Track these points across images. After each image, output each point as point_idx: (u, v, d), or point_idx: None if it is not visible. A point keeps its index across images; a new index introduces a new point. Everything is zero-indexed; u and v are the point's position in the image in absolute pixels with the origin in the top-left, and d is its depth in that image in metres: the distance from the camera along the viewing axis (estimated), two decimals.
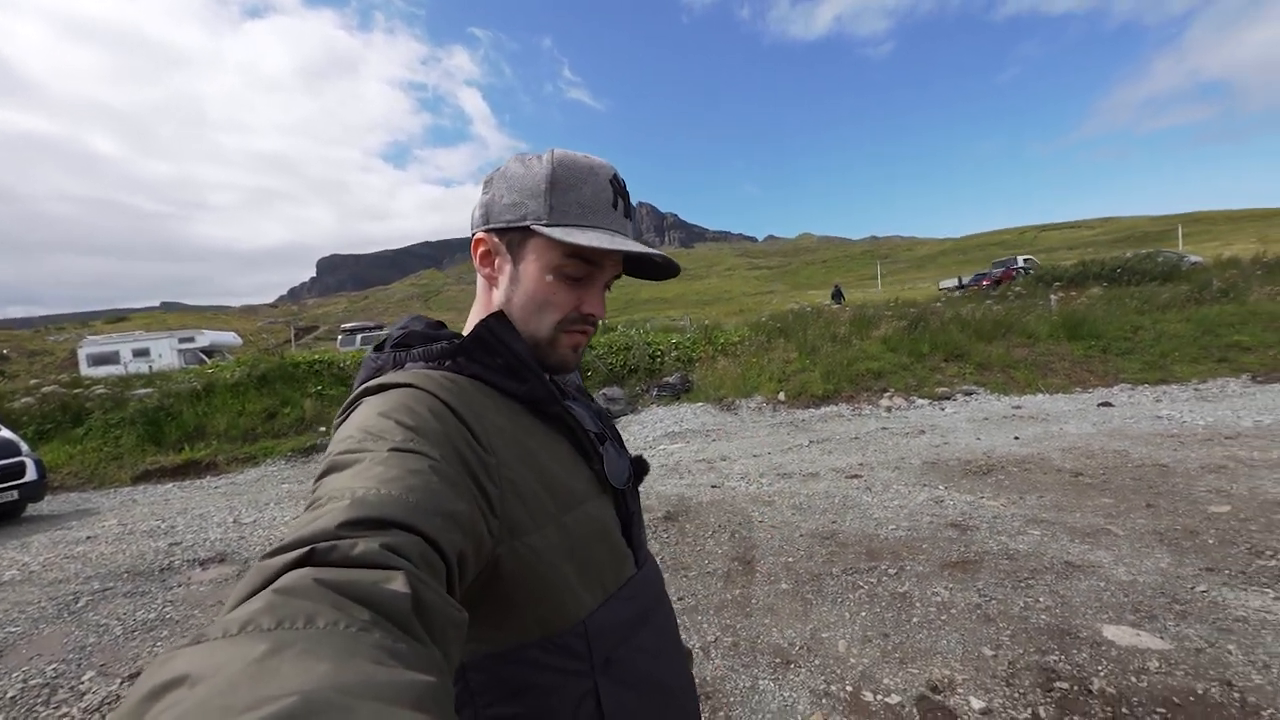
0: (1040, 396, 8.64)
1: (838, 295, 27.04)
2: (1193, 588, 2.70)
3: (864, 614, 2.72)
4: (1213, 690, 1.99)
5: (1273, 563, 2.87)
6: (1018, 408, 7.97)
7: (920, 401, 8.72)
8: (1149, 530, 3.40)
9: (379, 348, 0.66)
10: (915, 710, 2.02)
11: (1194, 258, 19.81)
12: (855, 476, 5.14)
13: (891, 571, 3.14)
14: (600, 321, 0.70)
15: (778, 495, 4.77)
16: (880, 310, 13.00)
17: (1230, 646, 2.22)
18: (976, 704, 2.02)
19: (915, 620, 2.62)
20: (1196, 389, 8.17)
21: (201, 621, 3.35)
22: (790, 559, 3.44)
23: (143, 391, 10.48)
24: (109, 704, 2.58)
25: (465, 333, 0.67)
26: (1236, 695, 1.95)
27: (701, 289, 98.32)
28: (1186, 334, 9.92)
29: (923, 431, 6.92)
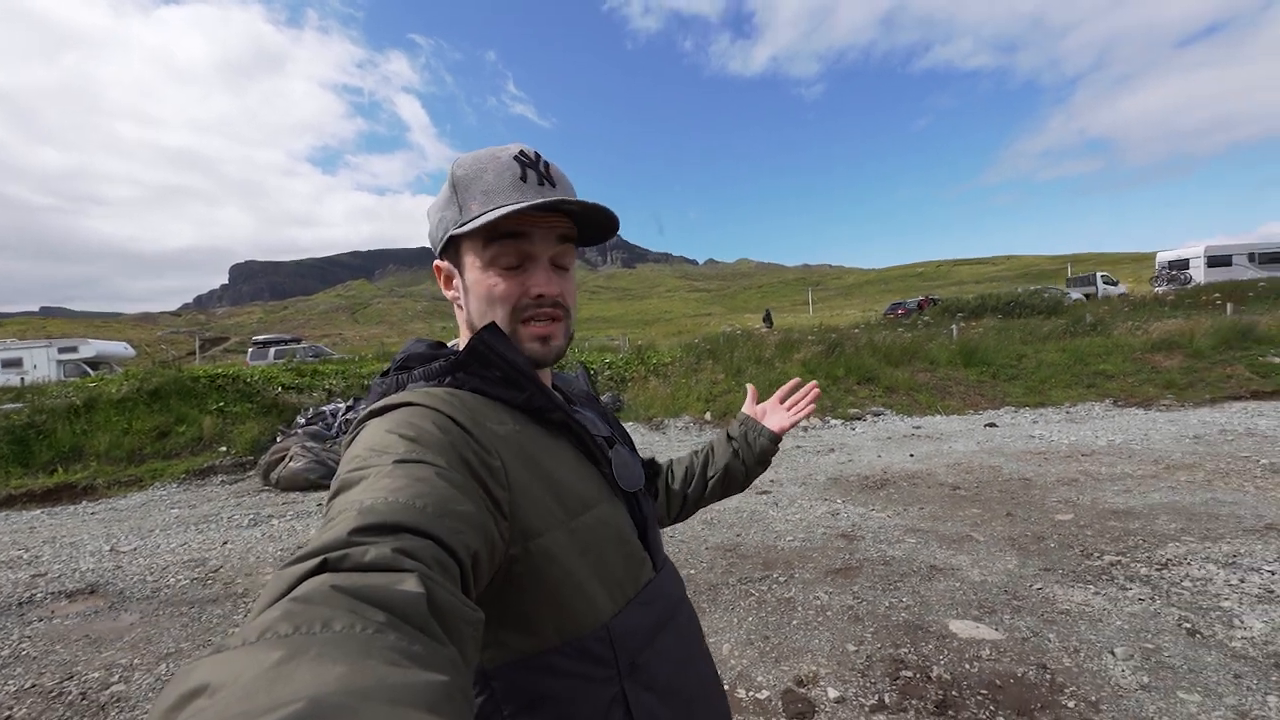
0: (938, 417, 9.45)
1: (768, 319, 28.44)
2: (1030, 585, 3.09)
3: (751, 619, 2.93)
4: (1030, 673, 2.31)
5: (1098, 563, 3.34)
6: (918, 428, 8.67)
7: (834, 422, 9.31)
8: (1005, 536, 3.85)
9: (385, 374, 0.68)
10: (780, 702, 2.22)
11: (1075, 294, 22.30)
12: (765, 492, 5.44)
13: (782, 579, 3.39)
14: (572, 297, 0.70)
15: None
16: (804, 335, 13.78)
17: (1050, 635, 2.58)
18: (833, 693, 2.24)
19: (795, 622, 2.86)
20: (1068, 412, 9.21)
21: (63, 658, 3.09)
22: (693, 570, 3.62)
23: (10, 407, 9.40)
24: None
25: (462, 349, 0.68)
26: (1048, 676, 2.28)
27: (643, 309, 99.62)
28: (1062, 362, 11.18)
29: (832, 450, 7.40)
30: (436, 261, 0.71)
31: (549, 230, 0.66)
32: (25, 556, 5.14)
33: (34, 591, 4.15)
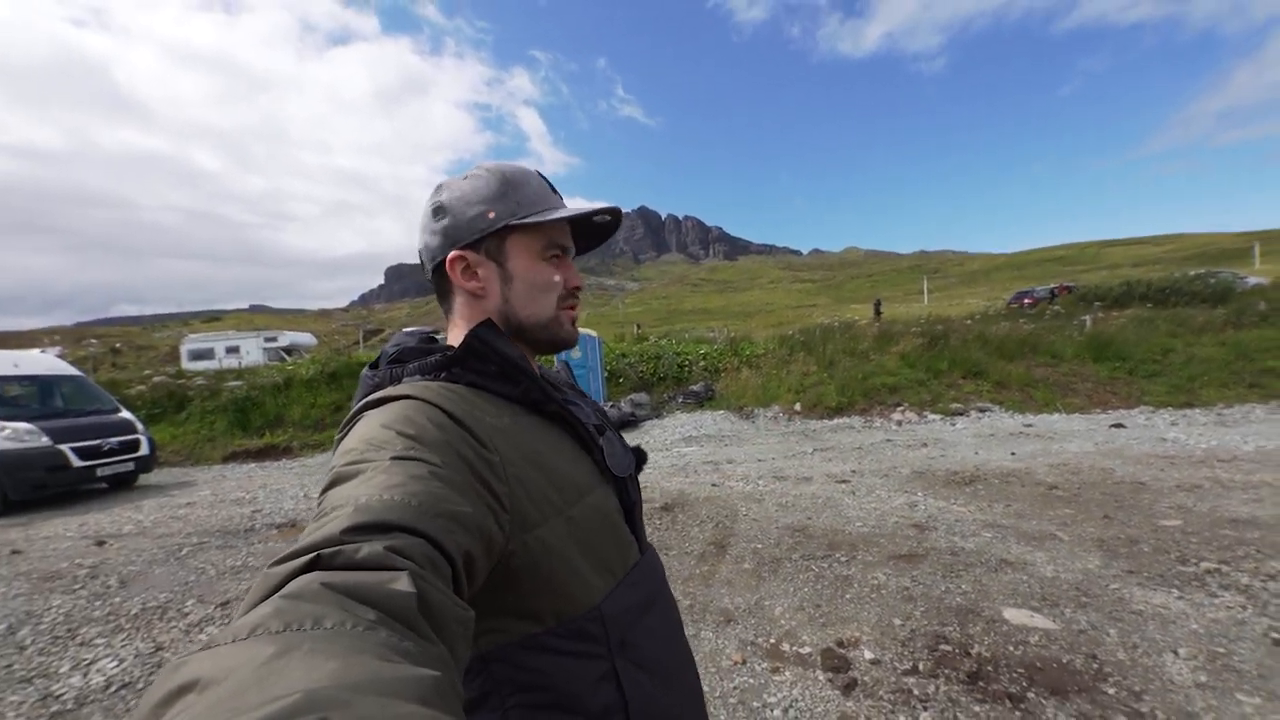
0: (1055, 416, 8.56)
1: (878, 310, 26.78)
2: (1106, 585, 2.94)
3: (806, 589, 3.12)
4: (1076, 660, 2.29)
5: (1193, 569, 3.07)
6: (1029, 426, 7.96)
7: (932, 417, 8.80)
8: (1093, 537, 3.61)
9: (374, 365, 0.68)
10: (819, 657, 2.42)
11: (1254, 279, 18.53)
12: (844, 482, 5.44)
13: (844, 559, 3.50)
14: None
15: (768, 494, 5.15)
16: (906, 327, 12.98)
17: (1110, 630, 2.50)
18: (869, 655, 2.40)
19: (848, 596, 3.00)
20: (1220, 414, 7.91)
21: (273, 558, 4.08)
22: (760, 545, 3.84)
23: (234, 384, 11.81)
24: (207, 622, 3.28)
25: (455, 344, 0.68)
26: (1095, 666, 2.25)
27: (744, 301, 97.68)
28: (1219, 358, 9.53)
29: (925, 445, 7.08)
30: (457, 252, 0.68)
31: (571, 237, 0.75)
32: (247, 497, 6.61)
33: (254, 523, 5.38)
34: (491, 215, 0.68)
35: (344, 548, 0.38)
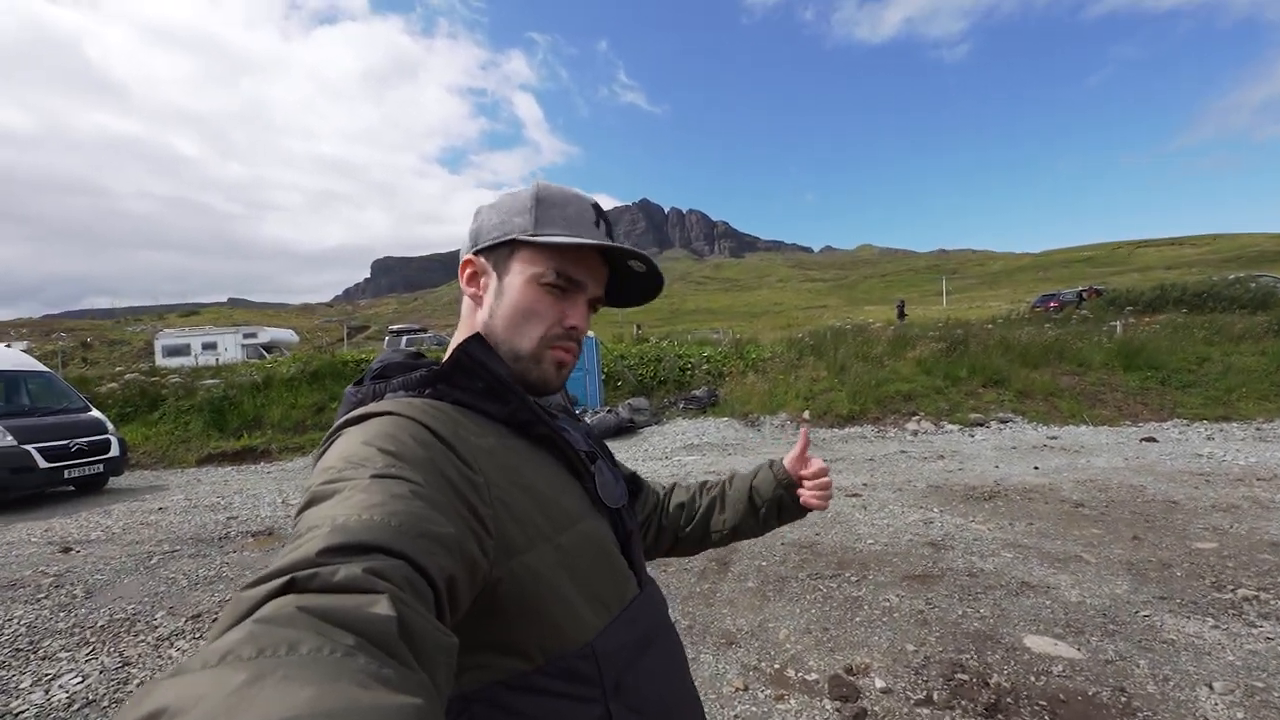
0: (1082, 428, 8.54)
1: (901, 312, 26.76)
2: (1136, 612, 2.92)
3: (814, 611, 3.10)
4: (1103, 694, 2.27)
5: (1229, 595, 3.05)
6: (1054, 438, 7.94)
7: (950, 427, 8.78)
8: (1122, 560, 3.59)
9: (358, 382, 0.68)
10: (826, 685, 2.41)
11: None
12: (855, 495, 5.42)
13: (854, 579, 3.49)
14: (590, 338, 0.88)
15: None
16: (923, 331, 12.96)
17: (1141, 661, 2.48)
18: (880, 684, 2.38)
19: (858, 619, 2.98)
20: (1259, 428, 7.89)
21: (247, 580, 4.07)
22: (764, 563, 3.83)
23: (210, 382, 11.82)
24: (177, 635, 3.27)
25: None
26: (1123, 699, 2.23)
27: (751, 301, 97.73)
28: (1259, 368, 9.51)
29: (941, 457, 7.06)
30: (469, 255, 0.72)
31: (598, 279, 0.71)
32: (221, 503, 6.60)
33: (229, 530, 5.37)
34: (508, 226, 0.68)
35: (321, 570, 0.38)
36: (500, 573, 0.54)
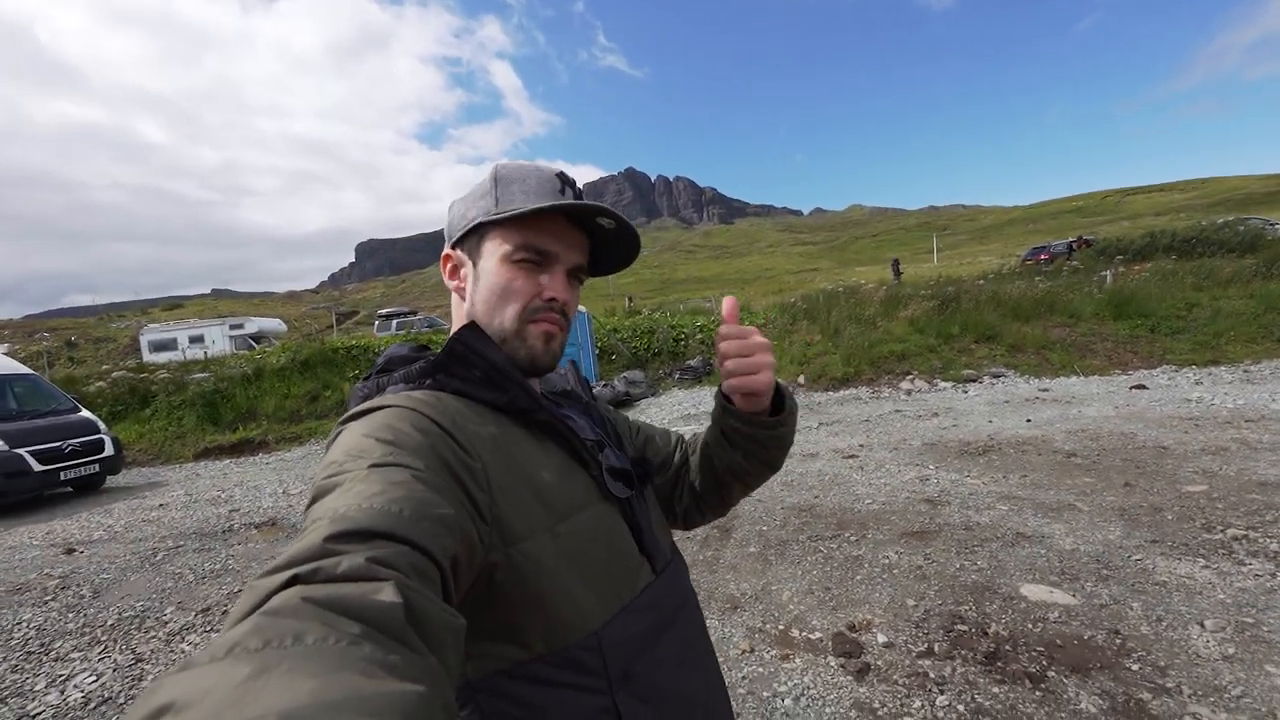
0: (1073, 379, 8.63)
1: (896, 271, 26.63)
2: (1129, 556, 2.99)
3: (815, 572, 3.16)
4: (1098, 637, 2.34)
5: (1219, 536, 3.12)
6: (1045, 390, 8.03)
7: (943, 384, 8.85)
8: (1114, 507, 3.66)
9: (365, 379, 0.69)
10: (830, 642, 2.47)
11: None
12: (852, 457, 5.49)
13: (853, 539, 3.55)
14: (573, 311, 0.72)
15: None
16: (915, 290, 12.96)
17: (1134, 604, 2.55)
18: (882, 639, 2.44)
19: (858, 578, 3.04)
20: (1246, 370, 8.00)
21: (258, 571, 4.09)
22: (765, 528, 3.88)
23: (200, 376, 11.71)
24: (188, 630, 3.30)
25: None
26: (1118, 641, 2.30)
27: (742, 267, 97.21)
28: (1248, 311, 9.60)
29: (936, 414, 7.14)
30: (447, 250, 0.73)
31: (573, 246, 0.69)
32: (222, 496, 6.61)
33: (232, 523, 5.39)
34: (474, 213, 0.69)
35: (324, 560, 0.38)
36: (498, 557, 0.54)
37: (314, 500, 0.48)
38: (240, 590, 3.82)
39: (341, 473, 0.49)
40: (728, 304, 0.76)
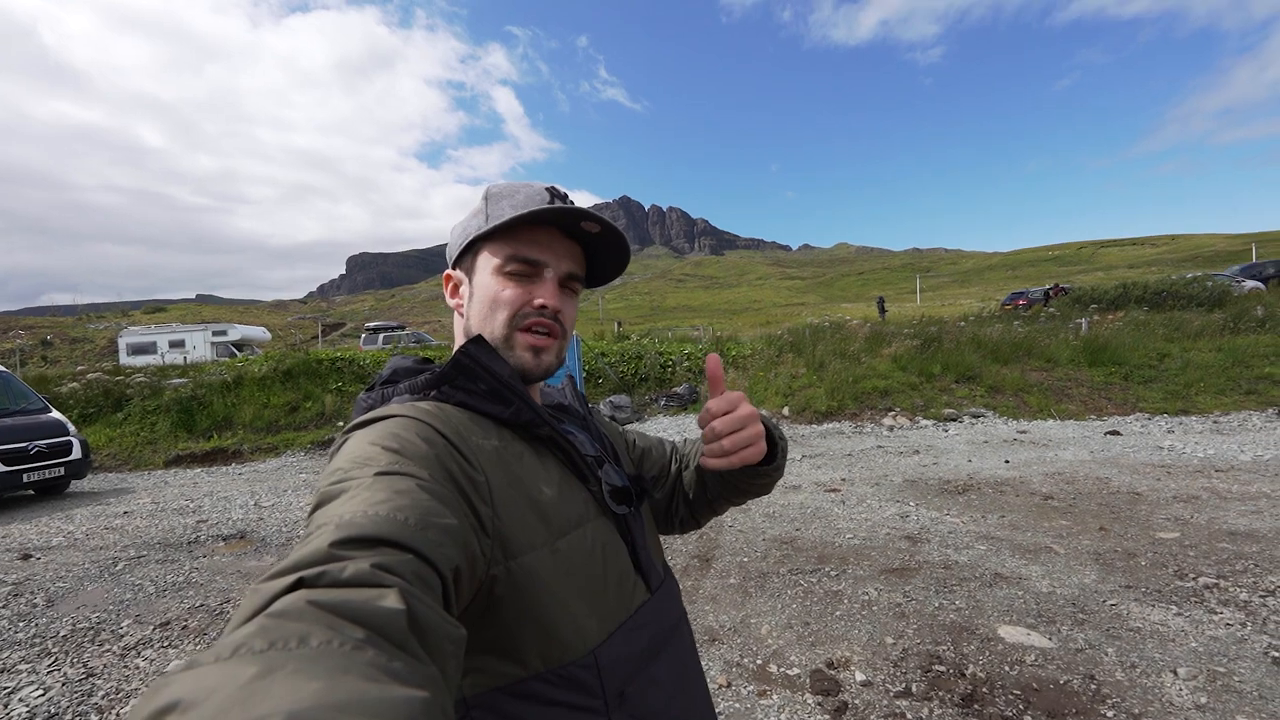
0: (1050, 422, 8.77)
1: (881, 308, 27.21)
2: (1103, 601, 3.01)
3: (795, 606, 3.12)
4: (1073, 681, 2.33)
5: (1191, 584, 3.15)
6: (1023, 432, 8.14)
7: (924, 422, 8.94)
8: (1090, 551, 3.69)
9: (370, 388, 0.69)
10: (808, 679, 2.43)
11: (1250, 283, 19.26)
12: (834, 490, 5.49)
13: (833, 574, 3.52)
14: (569, 319, 0.71)
15: (754, 504, 5.16)
16: (899, 328, 13.18)
17: (1109, 649, 2.55)
18: (860, 677, 2.41)
19: (838, 613, 3.01)
20: (1215, 421, 8.19)
21: (222, 586, 3.94)
22: (746, 559, 3.85)
23: (178, 381, 11.45)
24: (144, 644, 3.16)
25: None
26: (1093, 687, 2.29)
27: (731, 298, 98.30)
28: (1215, 364, 9.88)
29: (917, 451, 7.19)
30: (448, 270, 0.76)
31: (564, 255, 0.70)
32: (191, 506, 6.41)
33: (198, 534, 5.21)
34: (468, 233, 0.70)
35: (330, 565, 0.38)
36: (497, 571, 0.54)
37: (318, 505, 0.48)
38: (204, 604, 3.70)
39: (347, 479, 0.49)
40: (711, 364, 0.73)
